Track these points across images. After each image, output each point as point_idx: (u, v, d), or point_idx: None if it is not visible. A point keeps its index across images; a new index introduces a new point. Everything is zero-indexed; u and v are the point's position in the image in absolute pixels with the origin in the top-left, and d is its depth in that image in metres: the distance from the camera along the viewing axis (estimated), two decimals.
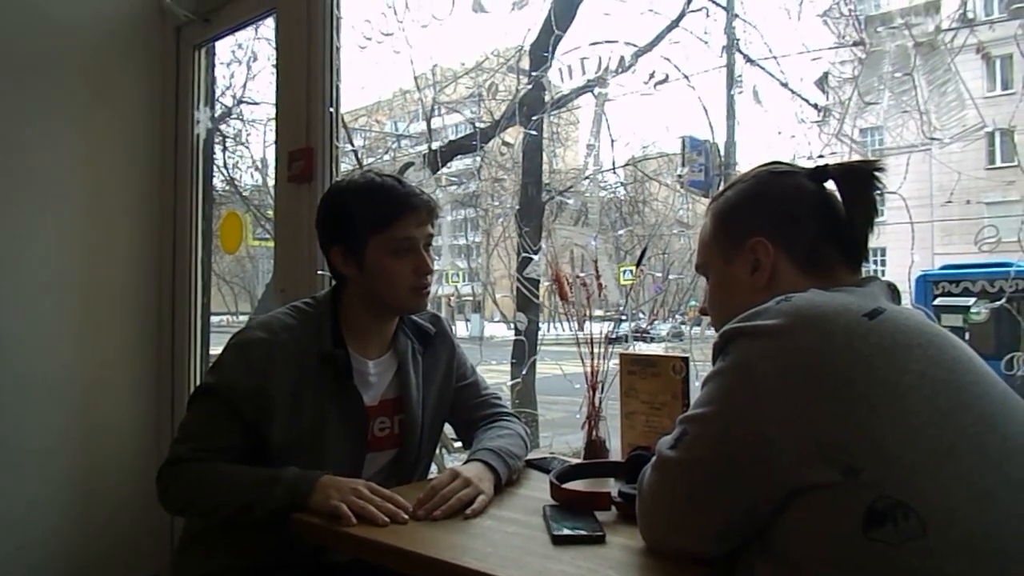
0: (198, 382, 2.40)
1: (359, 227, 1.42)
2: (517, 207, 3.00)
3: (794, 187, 1.05)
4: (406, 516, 1.18)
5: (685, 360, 1.42)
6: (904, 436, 0.78)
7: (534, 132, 2.58)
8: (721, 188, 1.17)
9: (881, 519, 0.75)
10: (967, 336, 1.92)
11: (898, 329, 0.87)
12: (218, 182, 3.35)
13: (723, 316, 1.03)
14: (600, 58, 2.21)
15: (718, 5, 2.42)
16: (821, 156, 1.78)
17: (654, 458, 0.97)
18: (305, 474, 1.26)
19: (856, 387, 0.81)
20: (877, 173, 1.02)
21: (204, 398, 1.40)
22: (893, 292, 1.00)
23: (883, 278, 1.02)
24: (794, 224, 1.04)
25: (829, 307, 0.88)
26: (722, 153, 2.60)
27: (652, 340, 2.63)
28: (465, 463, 1.37)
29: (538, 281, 2.33)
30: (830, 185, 1.06)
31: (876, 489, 0.76)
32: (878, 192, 1.02)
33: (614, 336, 1.63)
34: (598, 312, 1.76)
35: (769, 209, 1.06)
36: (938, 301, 2.07)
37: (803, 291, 0.93)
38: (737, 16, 2.43)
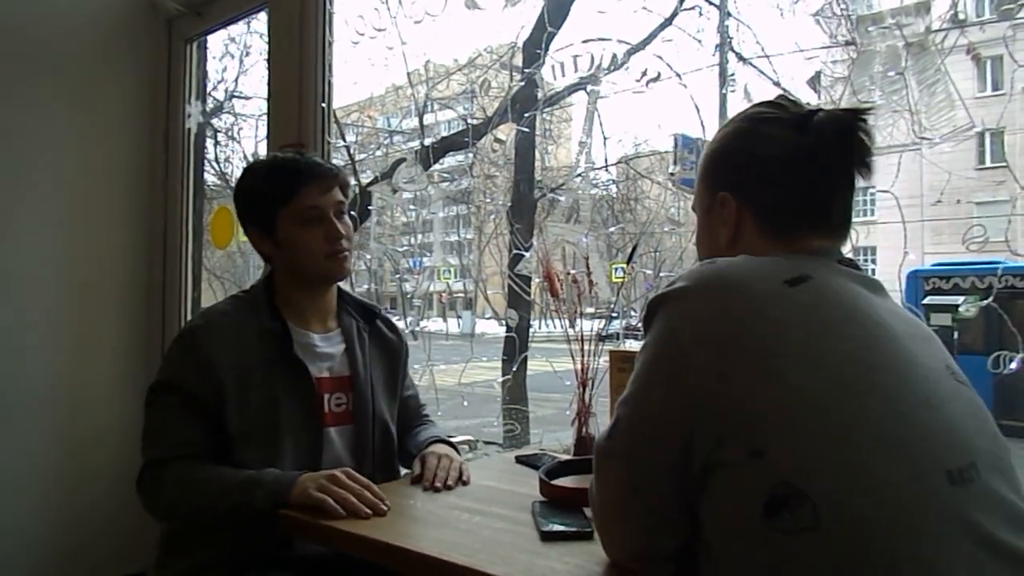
0: None
1: (267, 204, 1.45)
2: (509, 204, 2.99)
3: (772, 139, 0.92)
4: (385, 507, 1.19)
5: None
6: (808, 416, 0.72)
7: (526, 129, 2.57)
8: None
9: (779, 507, 0.69)
10: (955, 335, 1.93)
11: (820, 300, 0.80)
12: (209, 176, 3.32)
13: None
14: (593, 56, 2.20)
15: (711, 4, 2.41)
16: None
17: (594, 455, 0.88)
18: (284, 475, 1.27)
19: (768, 359, 0.75)
20: (861, 124, 0.88)
21: (159, 396, 1.39)
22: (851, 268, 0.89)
23: (846, 256, 0.92)
24: (762, 183, 0.92)
25: (751, 271, 0.82)
26: None
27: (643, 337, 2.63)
28: (426, 449, 1.47)
29: (529, 278, 2.33)
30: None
31: (778, 474, 0.70)
32: (859, 148, 0.89)
33: (605, 333, 1.63)
34: (589, 309, 1.77)
35: (738, 165, 0.95)
36: (927, 300, 2.08)
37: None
38: (730, 15, 2.43)
